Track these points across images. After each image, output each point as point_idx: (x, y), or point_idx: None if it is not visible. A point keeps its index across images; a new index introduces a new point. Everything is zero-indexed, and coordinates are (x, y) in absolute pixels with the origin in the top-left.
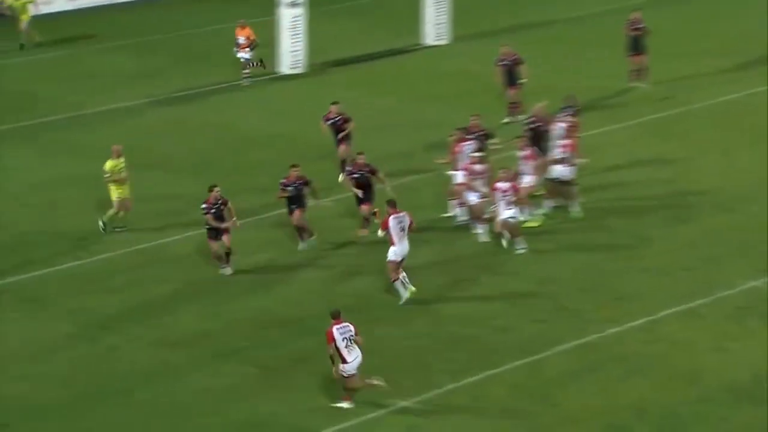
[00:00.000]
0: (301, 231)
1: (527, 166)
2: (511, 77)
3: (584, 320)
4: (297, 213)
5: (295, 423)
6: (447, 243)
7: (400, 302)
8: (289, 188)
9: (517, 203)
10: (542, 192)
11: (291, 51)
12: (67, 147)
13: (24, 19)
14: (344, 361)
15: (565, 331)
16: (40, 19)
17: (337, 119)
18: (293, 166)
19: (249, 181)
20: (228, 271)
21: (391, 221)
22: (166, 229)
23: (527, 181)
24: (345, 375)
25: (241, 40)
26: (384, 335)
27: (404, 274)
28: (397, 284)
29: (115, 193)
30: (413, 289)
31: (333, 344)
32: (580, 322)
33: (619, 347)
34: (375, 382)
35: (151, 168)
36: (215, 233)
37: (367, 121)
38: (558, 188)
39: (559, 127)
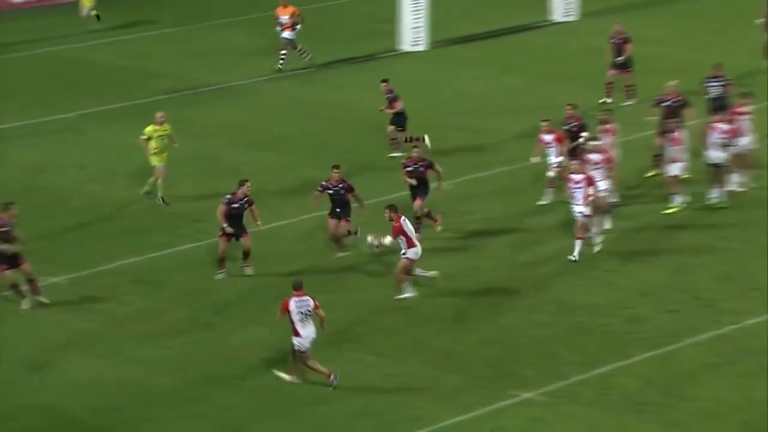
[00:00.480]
0: (336, 240)
1: (675, 149)
2: (619, 57)
3: (719, 311)
4: (333, 222)
5: (413, 413)
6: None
7: (399, 296)
8: (329, 191)
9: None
10: (687, 177)
11: (412, 27)
12: (184, 126)
13: (87, 5)
14: (297, 334)
15: (699, 322)
16: None
17: (388, 95)
18: (335, 167)
19: (369, 162)
20: (222, 276)
21: (405, 225)
22: (282, 212)
23: (677, 167)
24: (296, 348)
25: (284, 19)
26: (507, 325)
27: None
28: (405, 285)
29: (155, 159)
30: (435, 272)
31: (287, 314)
32: (714, 313)
33: (755, 340)
34: (321, 368)
35: (268, 148)
36: (232, 233)
37: (494, 101)
38: (714, 173)
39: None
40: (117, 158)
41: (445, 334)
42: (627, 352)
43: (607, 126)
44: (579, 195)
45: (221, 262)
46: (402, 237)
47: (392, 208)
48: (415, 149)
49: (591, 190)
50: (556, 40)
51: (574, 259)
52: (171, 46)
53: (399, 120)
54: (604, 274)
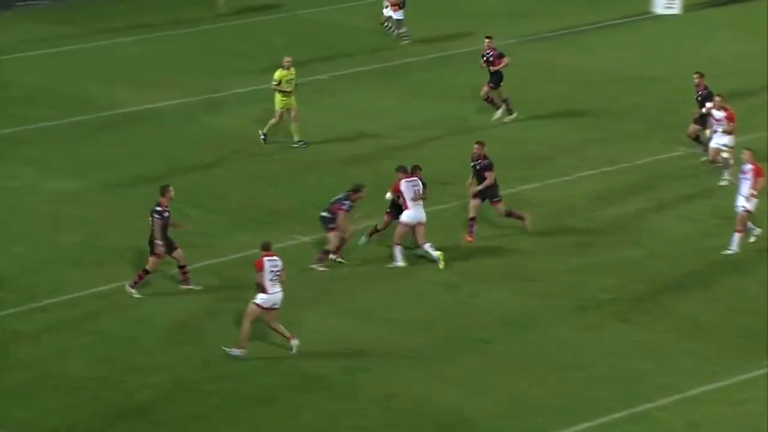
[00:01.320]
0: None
1: None
2: None
3: None
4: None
5: (659, 380)
6: None
7: (390, 265)
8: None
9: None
10: None
11: None
12: (433, 88)
13: None
14: (264, 291)
15: None
16: None
17: (488, 53)
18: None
19: (621, 127)
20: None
21: (403, 185)
22: (527, 177)
23: None
24: (259, 304)
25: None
26: (757, 294)
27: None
28: (397, 249)
29: (279, 103)
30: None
31: (262, 273)
32: None
33: None
34: (283, 330)
35: (517, 111)
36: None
37: (744, 67)
38: None
39: None
40: (365, 120)
41: (691, 302)
42: None
43: None
44: (744, 186)
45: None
46: (399, 196)
47: (400, 168)
48: (478, 144)
49: (760, 183)
50: None
51: (731, 252)
52: (420, 9)
53: (495, 79)
54: None
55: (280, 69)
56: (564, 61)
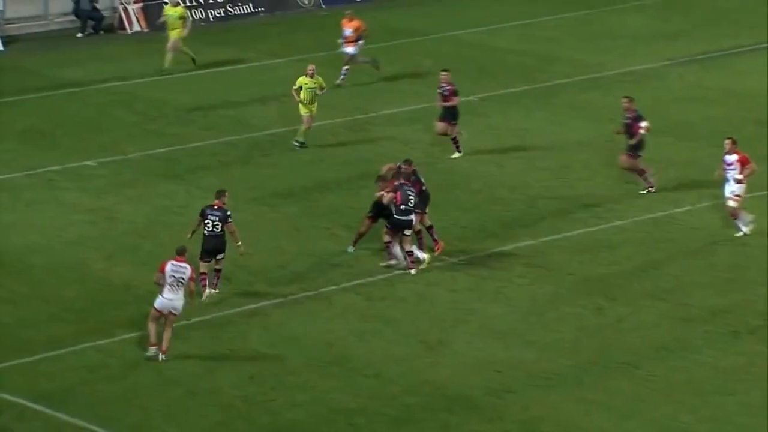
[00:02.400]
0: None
1: None
2: None
3: None
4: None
5: None
6: None
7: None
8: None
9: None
10: None
11: None
12: (582, 110)
13: (174, 36)
14: (160, 293)
15: None
16: None
17: (444, 88)
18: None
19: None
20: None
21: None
22: (679, 199)
23: None
24: (157, 308)
25: (348, 32)
26: None
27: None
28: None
29: (303, 109)
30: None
31: (161, 275)
32: None
33: None
34: (165, 339)
35: (667, 134)
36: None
37: None
38: None
39: None
40: (514, 141)
41: None
42: None
43: None
44: (731, 178)
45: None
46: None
47: (396, 172)
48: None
49: (747, 170)
50: None
51: (741, 234)
52: (570, 31)
53: (450, 115)
54: None
55: (303, 76)
56: (716, 83)
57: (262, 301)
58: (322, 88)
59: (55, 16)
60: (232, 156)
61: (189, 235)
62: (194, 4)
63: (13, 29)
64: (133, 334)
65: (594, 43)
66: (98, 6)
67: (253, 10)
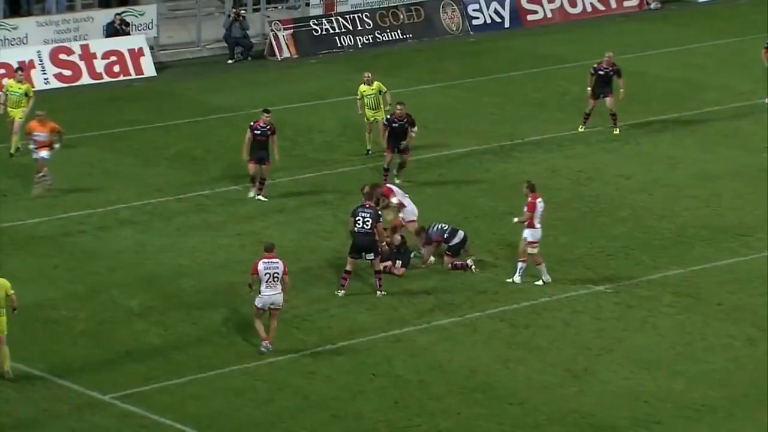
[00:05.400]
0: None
1: None
2: None
3: None
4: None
5: None
6: None
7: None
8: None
9: None
10: None
11: None
12: (733, 138)
13: (18, 116)
14: (259, 291)
15: None
16: None
17: (395, 123)
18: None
19: None
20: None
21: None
22: None
23: None
24: (256, 305)
25: (41, 136)
26: None
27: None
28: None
29: (370, 115)
30: None
31: (255, 275)
32: None
33: None
34: (272, 329)
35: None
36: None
37: None
38: None
39: None
40: (663, 169)
41: None
42: None
43: None
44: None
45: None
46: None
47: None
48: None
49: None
50: None
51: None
52: (721, 58)
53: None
54: None
55: (362, 84)
56: None
57: (407, 327)
58: (380, 92)
59: (207, 43)
60: (378, 181)
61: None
62: (342, 30)
63: (165, 55)
64: (280, 358)
65: (746, 70)
66: (249, 33)
67: (401, 37)
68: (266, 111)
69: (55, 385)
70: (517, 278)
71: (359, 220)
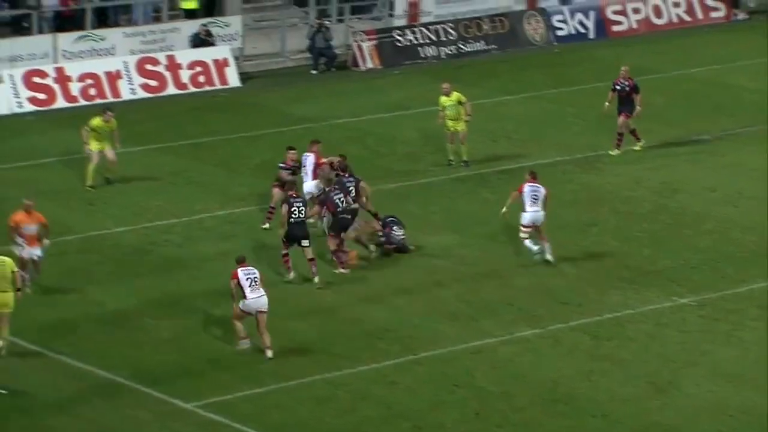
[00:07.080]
0: None
1: None
2: None
3: None
4: None
5: None
6: None
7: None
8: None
9: None
10: None
11: None
12: None
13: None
14: (245, 297)
15: None
16: None
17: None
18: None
19: None
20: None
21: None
22: None
23: None
24: (243, 309)
25: (30, 228)
26: None
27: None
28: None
29: (450, 126)
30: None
31: (236, 281)
32: None
33: None
34: (264, 339)
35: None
36: None
37: None
38: None
39: None
40: (749, 181)
41: None
42: None
43: None
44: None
45: None
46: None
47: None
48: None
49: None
50: None
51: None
52: None
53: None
54: None
55: (442, 96)
56: None
57: (489, 338)
58: (460, 102)
59: (291, 53)
60: (461, 192)
61: None
62: (427, 41)
63: (250, 66)
64: (362, 368)
65: None
66: (332, 43)
67: (484, 48)
68: (291, 148)
69: (139, 393)
70: (533, 246)
71: (294, 210)
